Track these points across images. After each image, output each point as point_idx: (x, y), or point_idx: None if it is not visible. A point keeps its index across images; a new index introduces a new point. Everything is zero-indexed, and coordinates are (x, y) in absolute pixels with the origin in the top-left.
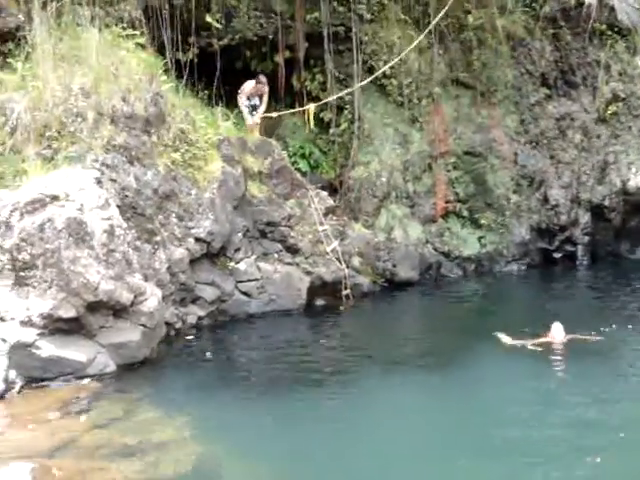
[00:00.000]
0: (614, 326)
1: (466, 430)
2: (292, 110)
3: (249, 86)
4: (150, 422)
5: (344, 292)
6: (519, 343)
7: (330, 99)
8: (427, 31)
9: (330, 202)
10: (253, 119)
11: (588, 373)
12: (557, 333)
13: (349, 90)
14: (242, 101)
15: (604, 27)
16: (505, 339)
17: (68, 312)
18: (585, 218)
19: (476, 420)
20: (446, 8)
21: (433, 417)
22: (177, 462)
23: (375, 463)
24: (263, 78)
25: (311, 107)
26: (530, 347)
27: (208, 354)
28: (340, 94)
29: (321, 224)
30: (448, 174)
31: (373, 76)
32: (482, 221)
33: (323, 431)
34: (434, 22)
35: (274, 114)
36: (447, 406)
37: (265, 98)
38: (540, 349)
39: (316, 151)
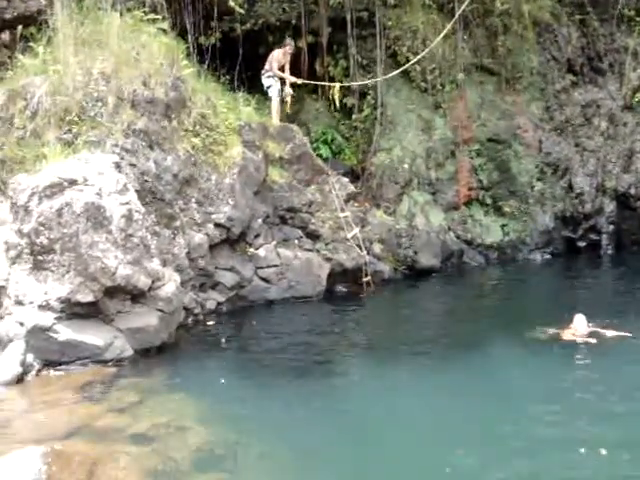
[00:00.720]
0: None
1: (473, 420)
2: (319, 83)
3: (278, 53)
4: (165, 408)
5: (364, 279)
6: (543, 334)
7: (358, 83)
8: (454, 20)
9: (351, 188)
10: (285, 91)
11: (605, 369)
12: (580, 325)
13: (373, 80)
14: (273, 71)
15: (632, 13)
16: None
17: (86, 296)
18: (610, 207)
19: (485, 410)
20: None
21: (441, 405)
22: (190, 448)
23: (382, 451)
24: (289, 40)
25: (337, 86)
26: (547, 337)
27: (223, 341)
28: (365, 82)
29: (342, 210)
30: (471, 161)
31: (398, 70)
32: (505, 209)
33: (335, 419)
34: (462, 8)
35: (300, 80)
36: (457, 394)
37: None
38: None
39: (338, 137)
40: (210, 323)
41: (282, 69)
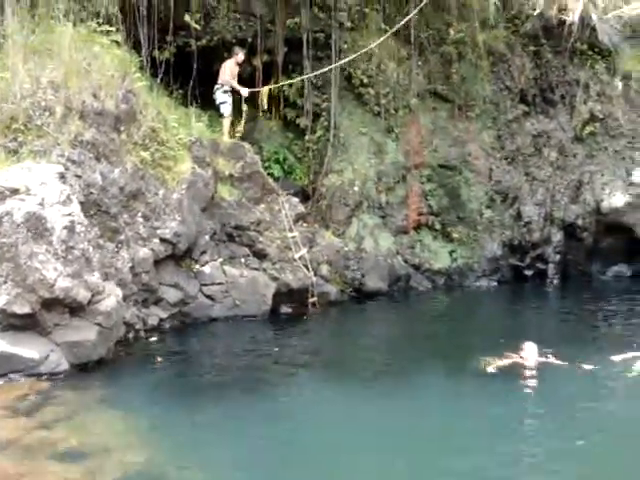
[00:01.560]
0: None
1: (393, 448)
2: (255, 89)
3: (230, 63)
4: (98, 424)
5: (310, 300)
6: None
7: (285, 83)
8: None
9: (301, 209)
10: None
11: (551, 402)
12: (530, 354)
13: (301, 78)
14: (227, 81)
15: (585, 47)
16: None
17: (23, 308)
18: (557, 236)
19: (410, 440)
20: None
21: (363, 430)
22: (121, 467)
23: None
24: (238, 49)
25: (264, 89)
26: (492, 369)
27: (159, 360)
28: (293, 80)
29: (290, 230)
30: (422, 186)
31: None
32: (454, 235)
33: (264, 439)
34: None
35: (246, 92)
36: (382, 422)
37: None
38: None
39: (290, 157)
40: (153, 339)
41: (240, 75)
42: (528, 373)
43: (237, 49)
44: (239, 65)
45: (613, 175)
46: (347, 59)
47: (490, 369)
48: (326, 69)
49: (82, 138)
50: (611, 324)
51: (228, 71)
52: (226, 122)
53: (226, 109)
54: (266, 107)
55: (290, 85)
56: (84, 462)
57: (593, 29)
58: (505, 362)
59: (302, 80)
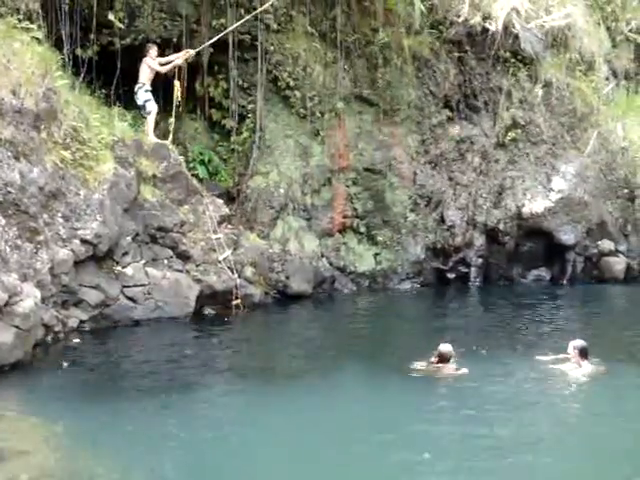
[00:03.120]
0: (484, 351)
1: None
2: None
3: (148, 60)
4: (13, 429)
5: (234, 302)
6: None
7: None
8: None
9: (225, 210)
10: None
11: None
12: (444, 355)
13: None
14: (147, 85)
15: (508, 54)
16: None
17: None
18: (480, 240)
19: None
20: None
21: (276, 430)
22: (34, 475)
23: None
24: (148, 45)
25: (176, 83)
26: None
27: (65, 364)
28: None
29: (215, 232)
30: (347, 189)
31: None
32: (378, 238)
33: (178, 440)
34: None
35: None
36: (295, 423)
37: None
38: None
39: (216, 158)
40: (76, 341)
41: (157, 74)
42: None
43: (148, 45)
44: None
45: (534, 181)
46: None
47: (414, 373)
48: None
49: (0, 136)
50: (530, 326)
51: (148, 69)
52: (150, 120)
53: (152, 105)
54: (179, 102)
55: (216, 86)
56: (2, 466)
57: (516, 37)
58: (423, 365)
59: (228, 81)
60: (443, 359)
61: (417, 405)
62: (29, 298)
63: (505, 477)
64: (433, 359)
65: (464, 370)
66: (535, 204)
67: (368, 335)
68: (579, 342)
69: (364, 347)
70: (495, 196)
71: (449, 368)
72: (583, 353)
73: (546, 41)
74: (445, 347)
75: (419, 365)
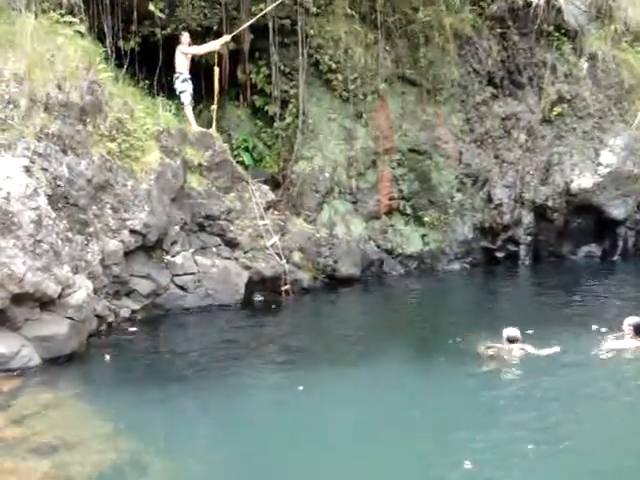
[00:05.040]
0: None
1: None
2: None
3: (182, 48)
4: (71, 418)
5: (283, 288)
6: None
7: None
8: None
9: (271, 196)
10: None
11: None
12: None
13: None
14: (183, 74)
15: (551, 28)
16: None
17: None
18: (528, 218)
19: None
20: None
21: (337, 416)
22: (94, 461)
23: (281, 457)
24: (182, 33)
25: (216, 70)
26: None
27: (107, 357)
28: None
29: (261, 218)
30: (392, 171)
31: None
32: (425, 219)
33: (241, 429)
34: None
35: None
36: (342, 409)
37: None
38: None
39: (260, 145)
40: (132, 329)
41: (196, 63)
42: (507, 356)
43: (181, 33)
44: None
45: (582, 156)
46: None
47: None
48: None
49: (47, 130)
50: (583, 304)
51: (182, 57)
52: (188, 110)
53: (185, 98)
54: (218, 89)
55: (257, 72)
56: (58, 456)
57: (559, 10)
58: (493, 350)
59: (269, 67)
60: (512, 342)
61: (476, 392)
62: (81, 289)
63: None
64: (501, 344)
65: (533, 350)
66: (584, 179)
67: (419, 318)
68: (634, 319)
69: (415, 330)
70: (542, 173)
71: (517, 350)
72: (638, 330)
73: (590, 13)
74: (511, 331)
75: (487, 347)
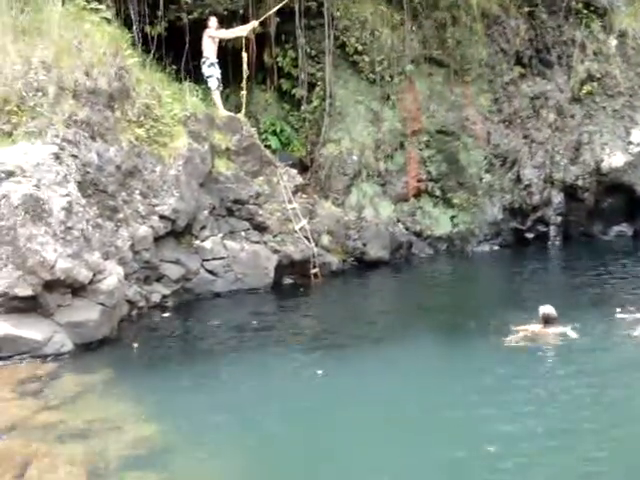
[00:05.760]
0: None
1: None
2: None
3: (209, 32)
4: (103, 404)
5: (312, 271)
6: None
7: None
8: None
9: (299, 180)
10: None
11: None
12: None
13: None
14: (210, 59)
15: (580, 6)
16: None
17: (24, 290)
18: (558, 198)
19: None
20: None
21: (367, 399)
22: (127, 446)
23: (316, 439)
24: (209, 17)
25: (244, 55)
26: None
27: (135, 345)
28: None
29: (290, 202)
30: (420, 153)
31: None
32: (454, 200)
33: (275, 412)
34: None
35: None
36: (368, 392)
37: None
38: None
39: (287, 128)
40: (165, 315)
41: (224, 47)
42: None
43: (208, 17)
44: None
45: (612, 135)
46: None
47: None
48: None
49: (76, 117)
50: (615, 285)
51: (210, 41)
52: (215, 95)
53: (213, 83)
54: (247, 74)
55: (284, 56)
56: (92, 441)
57: None
58: (524, 334)
59: (296, 50)
60: (547, 321)
61: (506, 374)
62: (112, 275)
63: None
64: (536, 325)
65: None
66: (614, 158)
67: (449, 300)
68: None
69: (444, 312)
70: (572, 152)
71: (554, 330)
72: None
73: None
74: (547, 309)
75: (519, 328)
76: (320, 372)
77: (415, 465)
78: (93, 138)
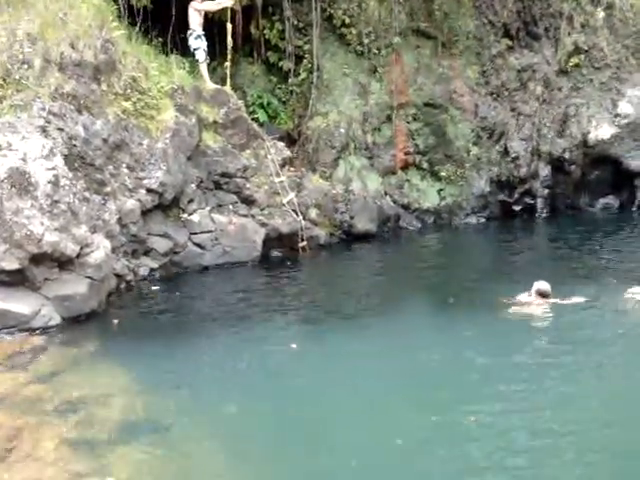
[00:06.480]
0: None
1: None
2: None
3: (195, 5)
4: (93, 376)
5: (300, 244)
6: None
7: None
8: None
9: (287, 153)
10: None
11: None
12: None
13: None
14: (197, 31)
15: None
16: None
17: (11, 264)
18: (545, 171)
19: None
20: None
21: (354, 368)
22: (116, 419)
23: (307, 411)
24: None
25: (229, 26)
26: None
27: (115, 322)
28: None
29: (277, 175)
30: (408, 125)
31: None
32: (442, 173)
33: (263, 383)
34: None
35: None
36: (375, 356)
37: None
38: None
39: (275, 101)
40: (152, 288)
41: (207, 15)
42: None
43: None
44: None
45: (599, 107)
46: None
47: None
48: None
49: (62, 90)
50: (602, 256)
51: (195, 13)
52: (202, 68)
53: (200, 55)
54: (231, 46)
55: (271, 28)
56: (80, 414)
57: None
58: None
59: (283, 22)
60: (543, 296)
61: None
62: (100, 249)
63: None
64: (531, 298)
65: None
66: (601, 130)
67: (436, 272)
68: None
69: (432, 284)
70: (559, 125)
71: (549, 302)
72: None
73: None
74: (542, 285)
75: (507, 300)
76: (294, 346)
77: (388, 433)
78: (79, 111)
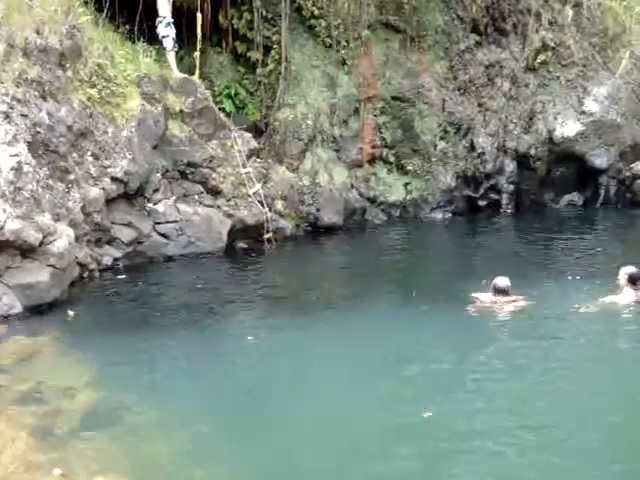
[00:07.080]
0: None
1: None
2: None
3: None
4: (52, 367)
5: (266, 235)
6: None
7: None
8: None
9: (254, 144)
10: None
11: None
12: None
13: None
14: (166, 19)
15: None
16: None
17: None
18: (510, 167)
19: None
20: None
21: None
22: (77, 410)
23: (274, 399)
24: None
25: (198, 16)
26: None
27: (71, 313)
28: None
29: (244, 166)
30: (375, 119)
31: None
32: (408, 167)
33: (224, 376)
34: None
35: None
36: (332, 349)
37: None
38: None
39: (242, 91)
40: (115, 277)
41: (174, 2)
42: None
43: None
44: None
45: (565, 104)
46: None
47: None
48: None
49: (27, 76)
50: (564, 253)
51: (164, 1)
52: (170, 56)
53: (168, 43)
54: (200, 35)
55: (240, 18)
56: (42, 404)
57: None
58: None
59: (252, 12)
60: (502, 292)
61: (454, 337)
62: (63, 237)
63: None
64: (491, 295)
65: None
66: (567, 128)
67: (401, 266)
68: (630, 268)
69: (396, 277)
70: (526, 121)
71: (508, 300)
72: (632, 279)
73: None
74: (502, 281)
75: (478, 298)
76: (250, 338)
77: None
78: (44, 98)
